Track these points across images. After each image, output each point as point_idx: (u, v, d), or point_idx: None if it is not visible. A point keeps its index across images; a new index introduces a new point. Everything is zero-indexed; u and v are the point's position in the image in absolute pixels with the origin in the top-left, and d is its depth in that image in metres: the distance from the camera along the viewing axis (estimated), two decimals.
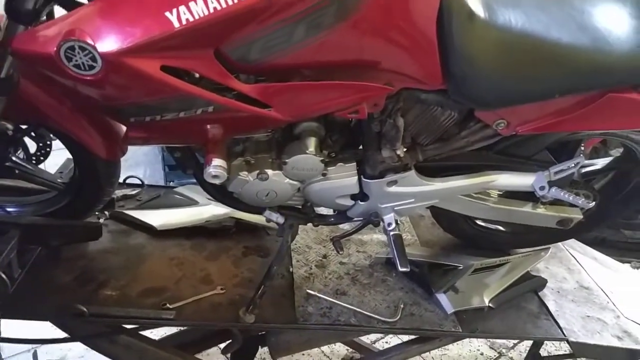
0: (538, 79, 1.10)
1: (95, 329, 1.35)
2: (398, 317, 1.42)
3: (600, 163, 1.57)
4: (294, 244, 1.64)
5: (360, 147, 1.25)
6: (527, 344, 2.20)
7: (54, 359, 2.08)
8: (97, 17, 0.82)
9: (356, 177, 1.27)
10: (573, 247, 1.86)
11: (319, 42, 0.95)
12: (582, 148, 1.43)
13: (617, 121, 1.21)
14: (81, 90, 0.91)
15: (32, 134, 1.36)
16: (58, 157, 1.57)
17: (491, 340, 2.38)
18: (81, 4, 0.90)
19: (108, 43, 0.81)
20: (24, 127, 1.34)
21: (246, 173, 1.19)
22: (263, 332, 1.55)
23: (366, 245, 1.72)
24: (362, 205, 1.33)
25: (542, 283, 1.60)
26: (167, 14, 0.81)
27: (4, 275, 1.17)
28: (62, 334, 1.37)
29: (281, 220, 1.36)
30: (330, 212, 1.44)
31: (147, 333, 1.48)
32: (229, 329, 1.50)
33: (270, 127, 1.16)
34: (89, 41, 0.81)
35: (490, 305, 1.47)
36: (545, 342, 2.16)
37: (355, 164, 1.26)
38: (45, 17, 0.89)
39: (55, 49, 0.82)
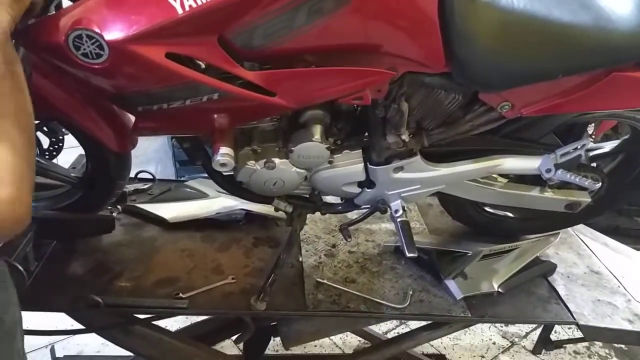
0: (541, 59, 1.10)
1: (110, 320, 1.37)
2: (407, 304, 1.43)
3: (608, 146, 1.56)
4: (303, 234, 1.65)
5: (366, 134, 1.25)
6: (539, 333, 2.19)
7: (70, 354, 2.11)
8: (104, 6, 0.84)
9: (362, 164, 1.28)
10: (583, 233, 1.85)
11: (321, 27, 0.95)
12: (589, 131, 1.43)
13: (622, 100, 1.21)
14: (90, 80, 0.93)
15: (45, 129, 1.39)
16: (69, 155, 1.60)
17: (503, 329, 2.38)
18: None
19: (114, 31, 0.83)
20: (36, 122, 1.37)
21: (253, 162, 1.20)
22: (275, 323, 1.56)
23: (375, 234, 1.73)
24: (369, 193, 1.34)
25: (552, 268, 1.60)
26: (171, 1, 0.83)
27: (21, 268, 1.20)
28: (79, 328, 1.39)
29: (290, 209, 1.37)
30: (337, 200, 1.45)
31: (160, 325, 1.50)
32: (241, 320, 1.52)
33: (276, 115, 1.17)
34: (96, 29, 0.83)
35: (499, 290, 1.47)
36: (557, 328, 2.16)
37: (361, 151, 1.27)
38: (53, 9, 0.91)
39: (64, 38, 0.84)
